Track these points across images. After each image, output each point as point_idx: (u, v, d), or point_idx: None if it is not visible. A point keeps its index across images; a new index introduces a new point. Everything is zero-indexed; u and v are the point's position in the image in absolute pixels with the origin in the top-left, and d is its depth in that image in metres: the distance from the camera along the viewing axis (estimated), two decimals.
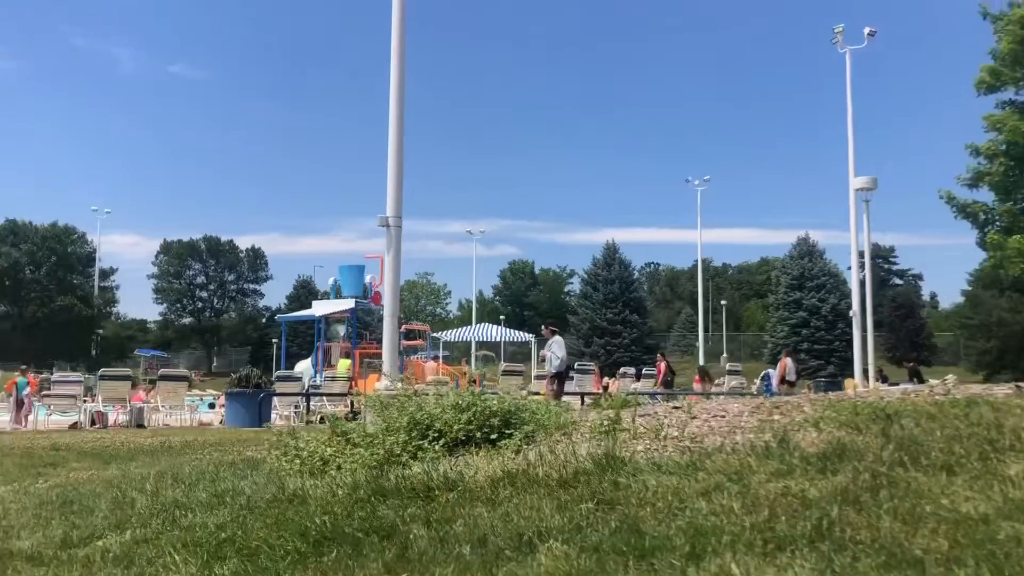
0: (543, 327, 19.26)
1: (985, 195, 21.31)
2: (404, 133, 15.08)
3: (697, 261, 54.36)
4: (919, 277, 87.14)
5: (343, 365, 27.52)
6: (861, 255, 26.92)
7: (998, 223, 20.95)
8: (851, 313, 26.53)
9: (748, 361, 52.83)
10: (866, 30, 26.50)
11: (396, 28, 15.26)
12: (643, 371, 30.19)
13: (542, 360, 19.22)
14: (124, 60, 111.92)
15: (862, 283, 26.58)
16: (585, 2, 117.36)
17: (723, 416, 6.01)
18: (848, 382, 25.57)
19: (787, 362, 23.40)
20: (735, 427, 5.55)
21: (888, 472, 3.95)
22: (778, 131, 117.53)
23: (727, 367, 32.57)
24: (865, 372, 24.88)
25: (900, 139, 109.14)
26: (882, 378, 23.67)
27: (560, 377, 17.56)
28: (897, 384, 17.23)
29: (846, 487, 3.78)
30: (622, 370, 29.05)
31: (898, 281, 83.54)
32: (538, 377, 25.53)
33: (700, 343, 50.85)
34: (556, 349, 17.15)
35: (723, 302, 71.07)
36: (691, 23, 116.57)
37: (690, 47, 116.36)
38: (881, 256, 78.33)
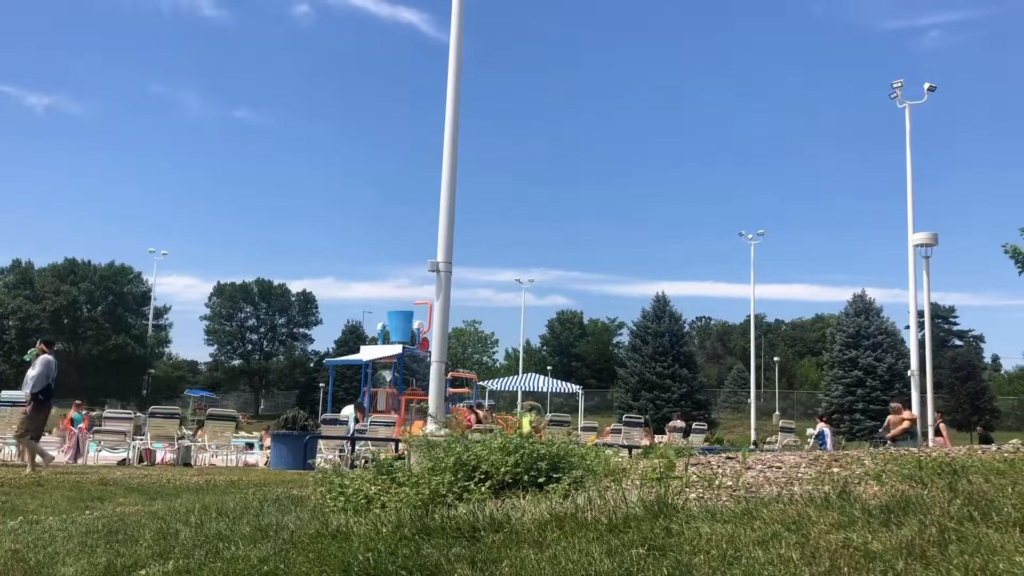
0: (38, 341, 13.70)
1: None
2: (456, 179, 15.23)
3: (750, 316, 53.66)
4: (980, 339, 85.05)
5: (347, 411, 28.00)
6: (920, 313, 26.34)
7: None
8: (909, 373, 25.91)
9: (801, 420, 51.70)
10: (926, 85, 26.32)
11: (451, 80, 15.52)
12: (693, 427, 29.66)
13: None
14: (192, 105, 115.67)
15: (921, 342, 25.98)
16: (641, 52, 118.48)
17: (779, 467, 5.81)
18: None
19: (677, 423, 25.99)
20: (792, 478, 5.35)
21: (957, 527, 3.75)
22: (835, 185, 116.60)
23: (780, 424, 31.86)
24: (924, 434, 24.14)
25: (961, 197, 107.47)
26: (937, 433, 22.88)
27: (37, 403, 12.80)
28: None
29: (912, 540, 3.59)
30: (671, 424, 28.54)
31: (958, 342, 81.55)
32: (584, 428, 25.21)
33: (752, 400, 49.96)
34: (40, 369, 12.82)
35: (776, 359, 69.93)
36: (745, 76, 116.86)
37: (745, 98, 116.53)
38: (941, 316, 76.71)
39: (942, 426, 23.42)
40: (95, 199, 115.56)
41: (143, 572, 4.52)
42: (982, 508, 4.00)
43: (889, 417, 18.59)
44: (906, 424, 17.83)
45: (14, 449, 16.89)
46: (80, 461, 18.07)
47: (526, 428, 8.80)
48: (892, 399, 22.24)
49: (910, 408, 18.91)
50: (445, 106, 15.42)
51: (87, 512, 8.40)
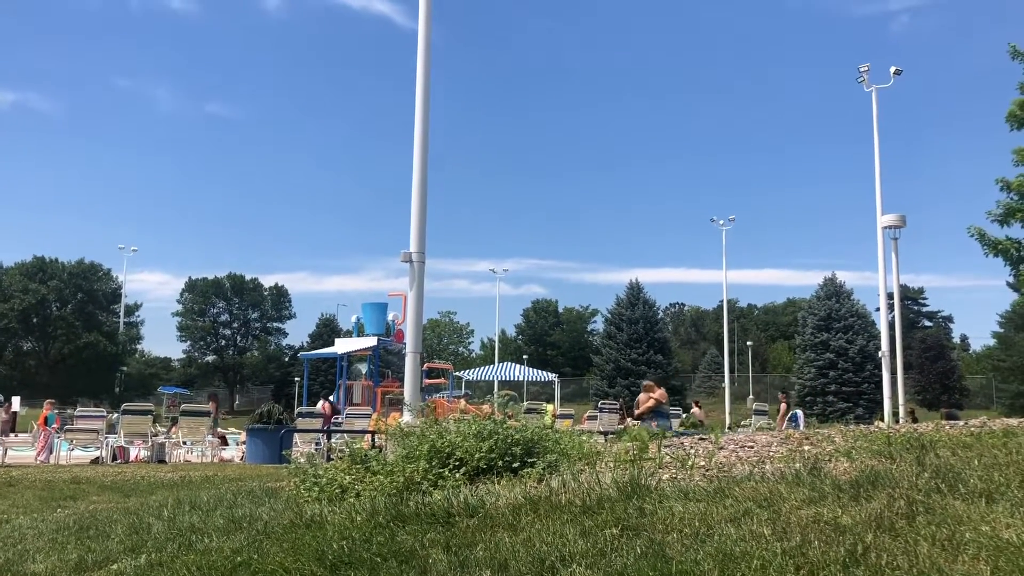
0: None
1: (1018, 231, 20.96)
2: (427, 168, 15.16)
3: (722, 302, 54.02)
4: (949, 319, 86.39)
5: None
6: (890, 295, 26.62)
7: None
8: (880, 354, 26.16)
9: (776, 403, 52.17)
10: (892, 69, 26.53)
11: (421, 66, 15.45)
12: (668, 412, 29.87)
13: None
14: (162, 100, 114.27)
15: (891, 324, 26.24)
16: (612, 43, 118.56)
17: (751, 447, 5.87)
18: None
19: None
20: (764, 457, 5.40)
21: (925, 499, 3.80)
22: (805, 170, 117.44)
23: (753, 407, 32.13)
24: (895, 414, 24.44)
25: (929, 179, 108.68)
26: (913, 419, 23.24)
27: None
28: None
29: (881, 513, 3.64)
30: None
31: (927, 323, 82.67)
32: (560, 416, 25.29)
33: (726, 384, 50.31)
34: None
35: (749, 343, 70.43)
36: (716, 63, 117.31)
37: (717, 85, 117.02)
38: (910, 298, 77.61)
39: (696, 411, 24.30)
40: (63, 196, 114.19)
41: (115, 567, 4.47)
42: (949, 480, 4.07)
43: (640, 395, 18.70)
44: (652, 403, 17.93)
45: None
46: (52, 460, 17.84)
47: (548, 421, 8.78)
48: (647, 378, 22.17)
49: (663, 388, 18.99)
50: (415, 97, 15.31)
51: (59, 511, 8.32)
